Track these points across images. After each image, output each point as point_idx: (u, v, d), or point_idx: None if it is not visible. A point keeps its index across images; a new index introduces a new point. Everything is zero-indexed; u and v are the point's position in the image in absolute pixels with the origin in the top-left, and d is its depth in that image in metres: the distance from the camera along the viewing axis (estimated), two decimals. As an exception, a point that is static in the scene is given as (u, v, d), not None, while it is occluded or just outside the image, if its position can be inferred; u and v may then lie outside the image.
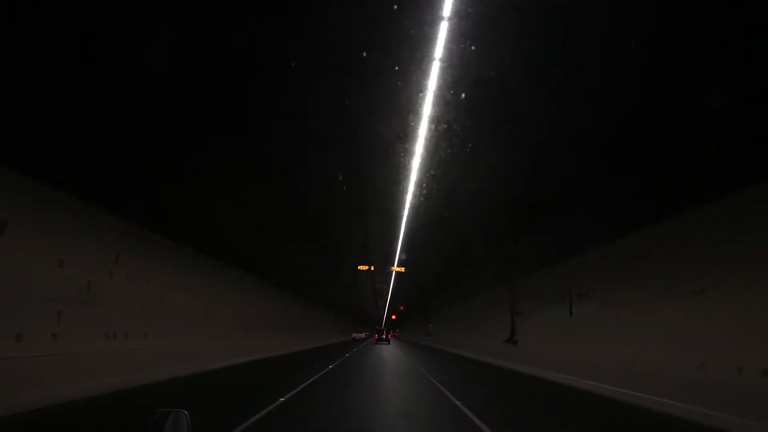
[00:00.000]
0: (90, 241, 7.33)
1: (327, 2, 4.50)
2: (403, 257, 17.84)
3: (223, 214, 9.96)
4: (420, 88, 5.80)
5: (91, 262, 7.30)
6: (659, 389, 6.91)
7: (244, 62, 5.20)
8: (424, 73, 5.47)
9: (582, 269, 10.45)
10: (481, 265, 15.80)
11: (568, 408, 7.69)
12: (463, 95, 5.76)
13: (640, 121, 5.52)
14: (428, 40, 4.89)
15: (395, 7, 4.44)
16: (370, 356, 20.61)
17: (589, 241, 9.63)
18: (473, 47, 4.89)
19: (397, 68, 5.48)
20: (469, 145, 7.03)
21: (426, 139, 7.03)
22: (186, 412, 1.95)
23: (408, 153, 7.66)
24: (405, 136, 7.12)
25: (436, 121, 6.46)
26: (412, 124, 6.74)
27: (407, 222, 12.72)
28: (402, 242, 15.58)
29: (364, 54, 5.13)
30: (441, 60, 5.17)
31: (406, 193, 9.96)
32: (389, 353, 22.31)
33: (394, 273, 22.49)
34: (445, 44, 4.92)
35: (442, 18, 4.58)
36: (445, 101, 5.96)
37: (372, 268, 20.27)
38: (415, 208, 11.03)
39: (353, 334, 51.13)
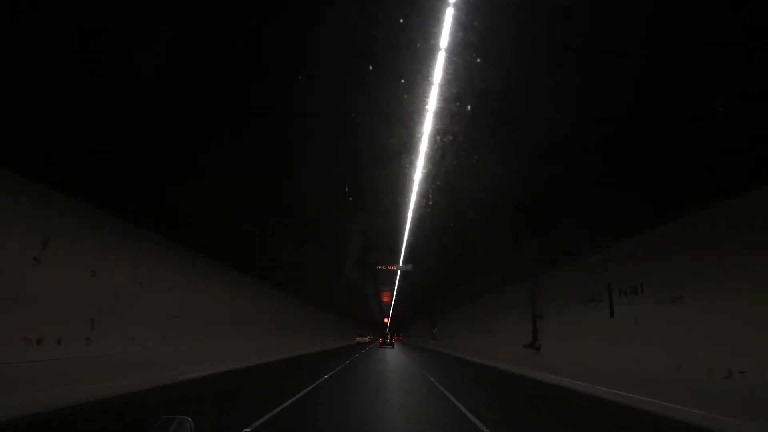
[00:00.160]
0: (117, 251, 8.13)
1: (333, 14, 4.51)
2: (408, 256, 17.14)
3: (222, 213, 9.96)
4: (425, 100, 5.85)
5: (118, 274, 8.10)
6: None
7: (243, 64, 5.20)
8: (429, 85, 5.51)
9: (627, 260, 8.86)
10: (492, 263, 14.78)
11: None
12: (469, 107, 5.82)
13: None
14: (433, 51, 4.93)
15: (401, 21, 4.49)
16: (374, 361, 20.24)
17: (634, 226, 8.24)
18: (478, 60, 4.94)
19: (402, 81, 5.56)
20: (477, 138, 6.94)
21: (432, 127, 6.84)
22: (190, 419, 1.91)
23: (414, 139, 7.46)
24: (412, 129, 7.07)
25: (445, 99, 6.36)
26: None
27: (412, 219, 12.02)
28: (407, 240, 14.85)
29: (371, 67, 5.24)
30: (445, 71, 5.23)
31: (411, 190, 9.67)
32: (394, 360, 20.88)
33: (398, 273, 22.14)
34: (449, 56, 4.98)
35: (446, 30, 4.64)
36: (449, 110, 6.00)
37: (390, 268, 19.61)
38: (419, 204, 10.56)
39: (357, 338, 50.99)
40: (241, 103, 5.96)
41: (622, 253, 9.04)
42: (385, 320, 57.87)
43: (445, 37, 4.86)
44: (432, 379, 11.52)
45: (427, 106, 6.09)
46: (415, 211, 11.02)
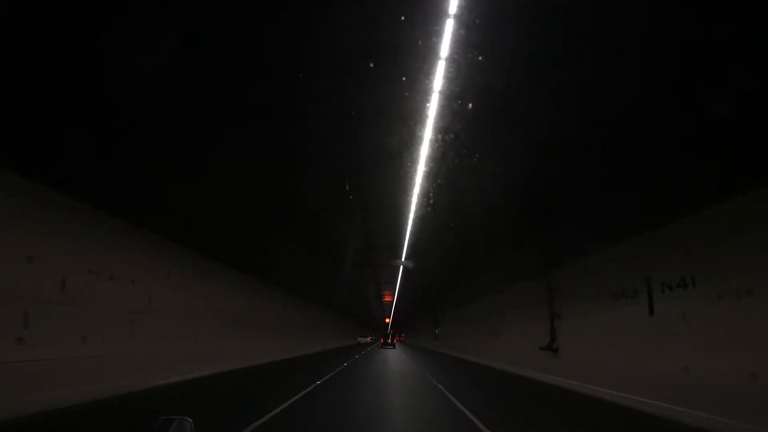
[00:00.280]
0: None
1: (327, 2, 4.49)
2: (410, 254, 16.34)
3: (222, 212, 9.96)
4: (426, 95, 5.83)
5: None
6: None
7: (243, 64, 5.19)
8: (430, 82, 5.49)
9: (671, 249, 7.52)
10: (499, 260, 13.85)
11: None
12: (470, 105, 5.80)
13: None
14: (434, 49, 4.91)
15: (402, 18, 4.47)
16: (374, 361, 20.11)
17: (678, 209, 7.11)
18: (480, 57, 4.92)
19: (404, 78, 5.52)
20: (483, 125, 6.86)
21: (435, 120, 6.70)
22: (190, 420, 1.90)
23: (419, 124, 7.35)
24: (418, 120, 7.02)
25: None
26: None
27: (415, 211, 11.23)
28: (409, 238, 14.04)
29: (371, 65, 5.19)
30: (447, 69, 5.20)
31: (413, 188, 9.31)
32: (395, 361, 20.19)
33: (400, 273, 21.67)
34: (451, 54, 4.94)
35: (447, 28, 4.61)
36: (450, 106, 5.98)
37: (391, 264, 18.66)
38: (421, 202, 10.16)
39: (359, 339, 51.10)
40: (241, 103, 5.95)
41: (665, 240, 7.62)
42: (387, 320, 57.90)
43: (444, 59, 4.90)
44: (441, 386, 10.20)
45: (428, 105, 6.06)
46: (417, 209, 10.77)
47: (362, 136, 7.33)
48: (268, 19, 4.54)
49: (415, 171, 8.39)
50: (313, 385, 9.68)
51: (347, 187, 9.50)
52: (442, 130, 6.65)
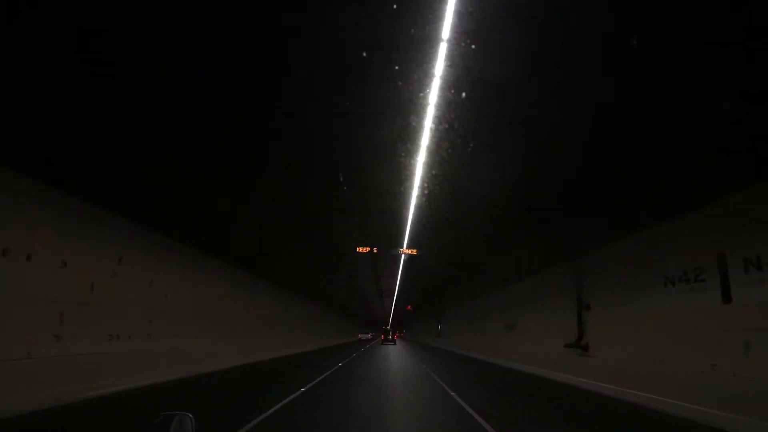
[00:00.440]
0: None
1: (327, 2, 4.50)
2: (413, 239, 15.19)
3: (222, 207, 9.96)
4: (421, 87, 5.80)
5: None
6: None
7: (244, 63, 5.20)
8: (425, 73, 5.47)
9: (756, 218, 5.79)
10: (517, 245, 12.40)
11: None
12: (464, 94, 5.76)
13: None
14: (429, 39, 4.88)
15: (395, 6, 4.44)
16: (375, 358, 19.94)
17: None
18: (474, 46, 4.89)
19: (397, 68, 5.48)
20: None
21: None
22: (191, 415, 1.90)
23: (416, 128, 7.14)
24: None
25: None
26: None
27: (417, 198, 10.57)
28: (411, 224, 12.97)
29: (364, 54, 5.13)
30: (444, 59, 5.18)
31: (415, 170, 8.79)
32: (396, 357, 19.27)
33: (400, 270, 21.07)
34: (447, 44, 4.92)
35: (443, 17, 4.59)
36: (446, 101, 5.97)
37: (374, 250, 17.01)
38: (424, 186, 9.55)
39: (359, 335, 51.37)
40: (241, 102, 5.96)
41: (748, 206, 5.83)
42: (387, 317, 58.10)
43: (440, 50, 4.87)
44: (445, 385, 9.08)
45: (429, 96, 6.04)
46: (420, 189, 10.00)
47: (362, 136, 7.35)
48: (268, 18, 4.54)
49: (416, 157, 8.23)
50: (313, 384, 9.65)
51: (342, 179, 9.41)
52: (443, 119, 6.65)
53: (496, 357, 16.42)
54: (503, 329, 16.53)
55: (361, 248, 16.70)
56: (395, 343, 40.66)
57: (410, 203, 10.84)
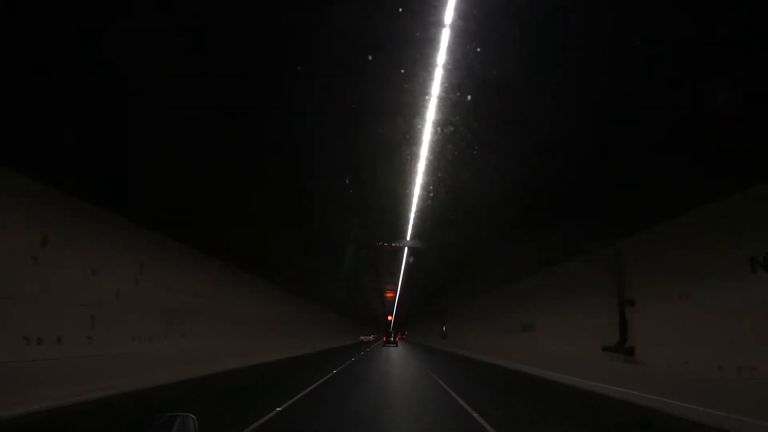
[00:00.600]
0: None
1: (329, 3, 4.49)
2: (417, 233, 13.56)
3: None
4: (425, 90, 5.79)
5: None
6: None
7: (245, 63, 5.19)
8: (429, 75, 5.46)
9: None
10: (537, 231, 10.62)
11: None
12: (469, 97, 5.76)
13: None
14: (433, 41, 4.88)
15: (400, 9, 4.45)
16: (378, 360, 19.75)
17: None
18: (478, 49, 4.89)
19: (402, 71, 5.48)
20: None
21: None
22: (194, 416, 1.90)
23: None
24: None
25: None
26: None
27: (420, 199, 9.78)
28: (413, 219, 11.81)
29: (369, 57, 5.14)
30: (446, 62, 5.17)
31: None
32: (400, 361, 18.50)
33: (403, 263, 20.38)
34: (450, 46, 4.92)
35: (445, 21, 4.59)
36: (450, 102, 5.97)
37: (393, 245, 16.58)
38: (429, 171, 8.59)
39: (361, 337, 51.50)
40: (241, 102, 5.95)
41: None
42: (389, 318, 58.14)
43: (443, 52, 4.85)
44: (475, 414, 6.87)
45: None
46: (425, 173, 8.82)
47: (362, 136, 7.33)
48: (268, 19, 4.54)
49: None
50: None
51: (347, 181, 9.37)
52: (443, 121, 6.65)
53: (512, 361, 14.79)
54: (520, 329, 14.88)
55: (363, 246, 15.78)
56: (397, 345, 41.08)
57: (414, 192, 9.86)
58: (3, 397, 5.35)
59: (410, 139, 7.29)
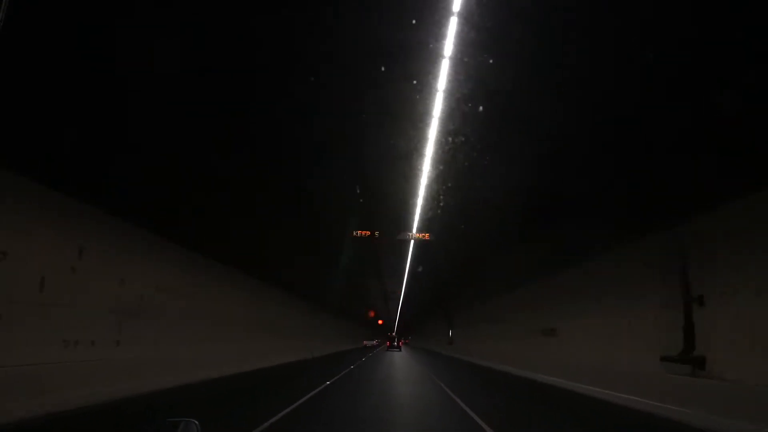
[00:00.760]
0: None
1: (343, 15, 4.52)
2: (425, 225, 12.53)
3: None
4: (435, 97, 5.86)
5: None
6: None
7: (249, 61, 5.20)
8: (439, 83, 5.52)
9: None
10: (540, 235, 9.71)
11: None
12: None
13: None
14: (444, 52, 4.96)
15: (414, 21, 4.51)
16: (382, 364, 19.57)
17: None
18: (491, 60, 4.96)
19: (414, 82, 5.58)
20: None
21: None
22: (196, 422, 1.87)
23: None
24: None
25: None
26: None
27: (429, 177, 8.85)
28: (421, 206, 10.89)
29: (383, 68, 5.27)
30: (456, 71, 5.25)
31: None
32: (403, 371, 17.23)
33: (407, 263, 19.88)
34: (461, 56, 4.99)
35: (457, 31, 4.65)
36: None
37: (377, 234, 15.56)
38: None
39: (365, 342, 51.57)
40: (242, 101, 5.97)
41: None
42: (393, 322, 58.22)
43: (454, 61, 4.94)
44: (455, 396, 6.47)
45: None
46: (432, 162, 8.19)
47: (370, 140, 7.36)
48: (267, 18, 4.55)
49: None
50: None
51: (345, 179, 9.39)
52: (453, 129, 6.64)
53: (535, 371, 12.67)
54: (539, 333, 13.02)
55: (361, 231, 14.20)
56: (400, 350, 41.14)
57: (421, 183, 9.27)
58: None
59: (418, 145, 7.26)
